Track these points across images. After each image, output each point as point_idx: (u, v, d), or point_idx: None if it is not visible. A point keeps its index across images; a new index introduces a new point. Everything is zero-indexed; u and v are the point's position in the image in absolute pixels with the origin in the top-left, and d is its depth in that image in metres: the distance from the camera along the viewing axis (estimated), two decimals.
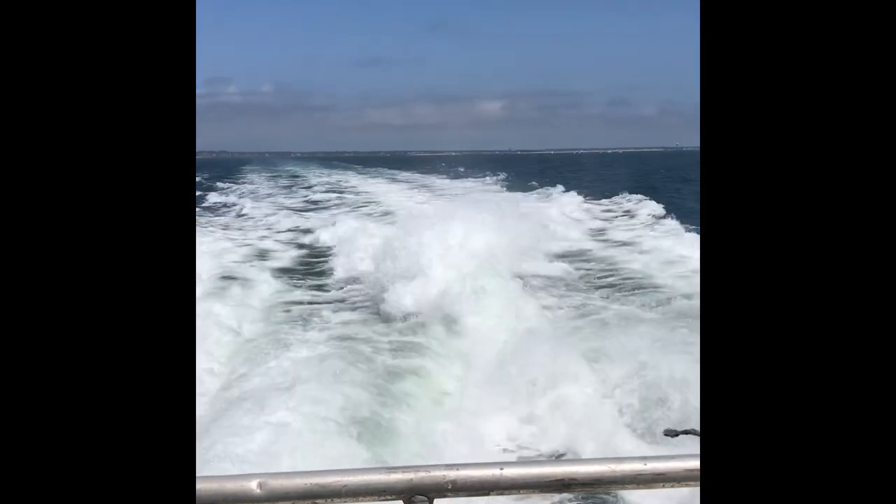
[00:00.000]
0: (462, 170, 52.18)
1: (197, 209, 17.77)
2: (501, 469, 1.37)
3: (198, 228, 13.24)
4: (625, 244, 16.98)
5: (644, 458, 1.39)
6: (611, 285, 12.47)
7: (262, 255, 16.32)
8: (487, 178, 41.44)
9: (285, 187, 40.45)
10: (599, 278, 13.04)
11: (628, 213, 22.97)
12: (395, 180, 43.70)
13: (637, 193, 26.49)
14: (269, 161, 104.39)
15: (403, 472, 1.36)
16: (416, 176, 47.14)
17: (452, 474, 1.35)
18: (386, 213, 22.89)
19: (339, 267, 13.82)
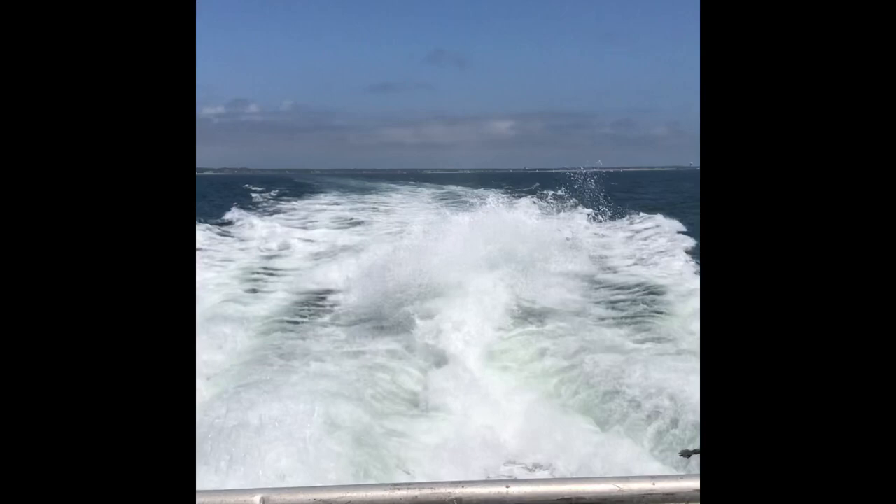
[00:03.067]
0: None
1: None
2: (507, 487, 1.35)
3: None
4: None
5: (653, 478, 1.38)
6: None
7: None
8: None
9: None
10: None
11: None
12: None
13: None
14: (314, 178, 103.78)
15: (408, 488, 1.35)
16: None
17: (458, 491, 1.34)
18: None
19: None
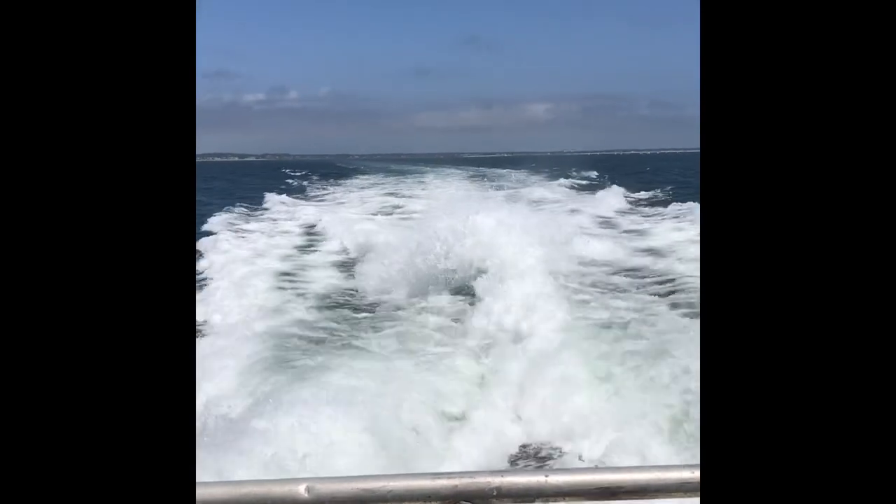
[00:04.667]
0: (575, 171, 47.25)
1: None
2: (546, 476, 1.38)
3: None
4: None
5: (692, 467, 1.36)
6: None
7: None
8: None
9: None
10: None
11: None
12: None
13: None
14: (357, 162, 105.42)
15: (449, 477, 1.38)
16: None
17: (497, 481, 1.37)
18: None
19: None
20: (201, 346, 8.90)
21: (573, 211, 22.59)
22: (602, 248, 15.31)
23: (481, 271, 10.87)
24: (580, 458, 6.09)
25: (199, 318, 10.47)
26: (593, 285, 11.87)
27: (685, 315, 9.76)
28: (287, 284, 12.75)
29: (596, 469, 1.55)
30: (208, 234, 19.13)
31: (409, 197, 30.44)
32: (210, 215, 22.99)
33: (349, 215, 22.75)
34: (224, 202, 27.71)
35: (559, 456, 6.17)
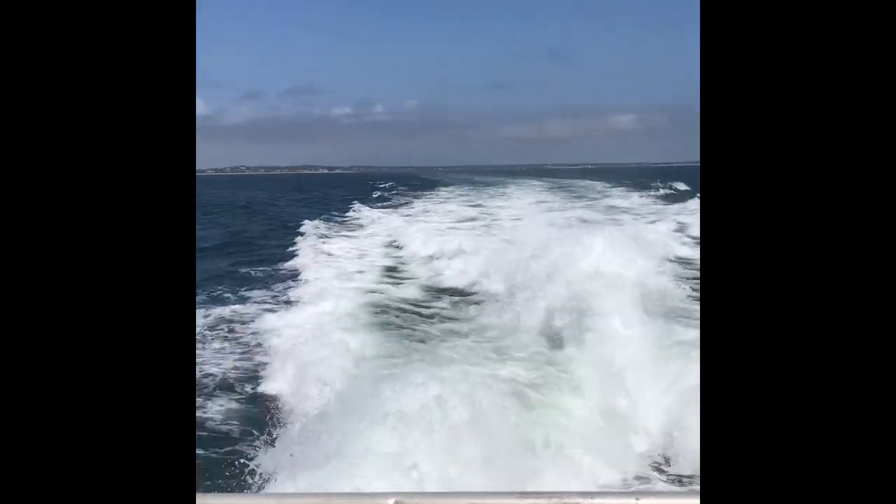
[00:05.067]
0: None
1: None
2: (637, 499, 1.35)
3: None
4: None
5: None
6: None
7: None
8: None
9: None
10: None
11: None
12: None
13: None
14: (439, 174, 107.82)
15: (537, 497, 1.36)
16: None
17: (586, 503, 1.34)
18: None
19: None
20: (313, 315, 10.31)
21: (654, 221, 23.08)
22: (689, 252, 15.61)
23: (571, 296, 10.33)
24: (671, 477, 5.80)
25: (299, 298, 11.90)
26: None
27: None
28: (384, 279, 13.88)
29: (687, 492, 1.50)
30: (301, 234, 21.05)
31: (493, 208, 31.65)
32: (306, 221, 24.95)
33: (434, 224, 23.96)
34: (319, 211, 29.81)
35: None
